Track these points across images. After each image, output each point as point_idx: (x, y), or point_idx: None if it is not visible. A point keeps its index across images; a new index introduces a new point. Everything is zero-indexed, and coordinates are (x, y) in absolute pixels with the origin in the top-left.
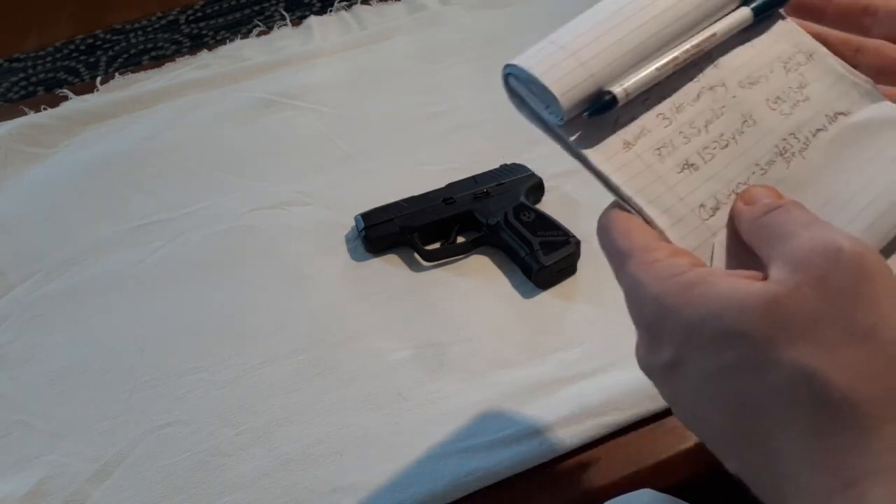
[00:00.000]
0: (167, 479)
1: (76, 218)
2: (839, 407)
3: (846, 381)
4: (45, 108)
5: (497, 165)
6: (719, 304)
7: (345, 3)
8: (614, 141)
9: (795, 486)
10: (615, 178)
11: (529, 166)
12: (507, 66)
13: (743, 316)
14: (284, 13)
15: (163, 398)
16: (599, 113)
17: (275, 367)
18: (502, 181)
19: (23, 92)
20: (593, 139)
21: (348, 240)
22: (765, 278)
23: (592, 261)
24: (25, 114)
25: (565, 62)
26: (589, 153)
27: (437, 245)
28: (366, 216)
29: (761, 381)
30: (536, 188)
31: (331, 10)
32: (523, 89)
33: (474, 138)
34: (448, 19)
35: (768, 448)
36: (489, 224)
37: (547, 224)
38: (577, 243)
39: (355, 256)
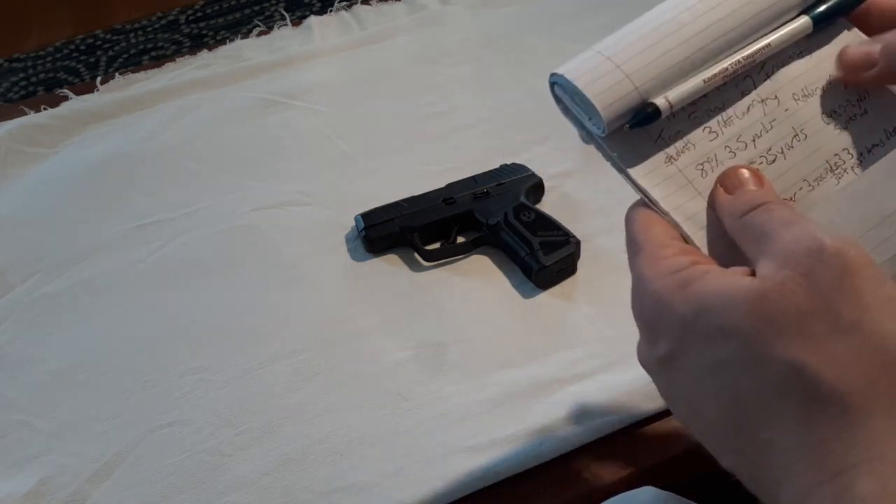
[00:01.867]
0: (167, 479)
1: (76, 218)
2: (828, 399)
3: (834, 373)
4: (45, 108)
5: (497, 165)
6: (710, 300)
7: (345, 3)
8: (657, 154)
9: (786, 477)
10: (654, 194)
11: (529, 166)
12: (553, 74)
13: (732, 311)
14: (284, 13)
15: (163, 398)
16: (641, 125)
17: (275, 367)
18: (502, 181)
19: (23, 92)
20: (636, 152)
21: (348, 240)
22: (753, 274)
23: (592, 261)
24: (25, 114)
25: (610, 75)
26: (630, 167)
27: (437, 245)
28: (366, 216)
29: (753, 375)
30: (536, 188)
31: (331, 10)
32: (567, 98)
33: (474, 138)
34: (448, 19)
35: (761, 439)
36: (489, 224)
37: (547, 224)
38: (577, 243)
39: (355, 256)
